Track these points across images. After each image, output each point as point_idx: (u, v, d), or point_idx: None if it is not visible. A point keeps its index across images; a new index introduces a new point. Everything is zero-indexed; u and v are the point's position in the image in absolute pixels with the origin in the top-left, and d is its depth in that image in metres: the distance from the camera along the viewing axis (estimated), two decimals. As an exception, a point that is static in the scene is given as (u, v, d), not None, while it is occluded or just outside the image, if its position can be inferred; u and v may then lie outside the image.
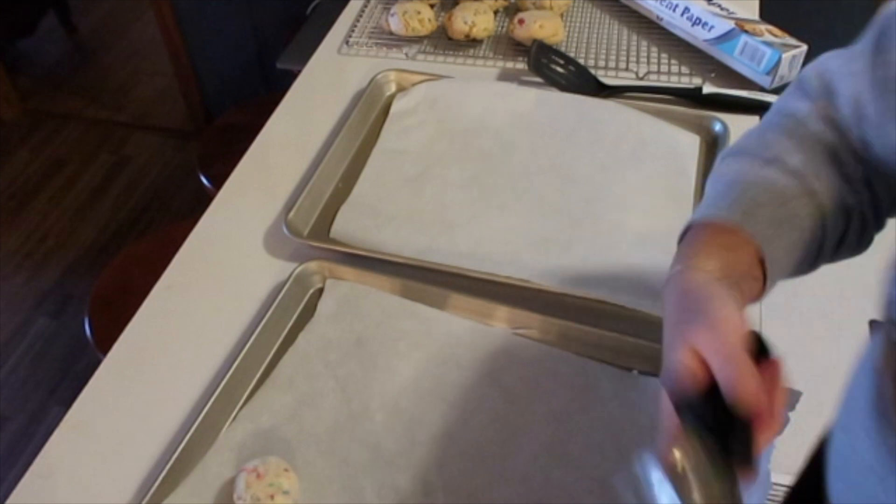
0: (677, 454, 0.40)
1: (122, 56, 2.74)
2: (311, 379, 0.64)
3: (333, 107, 0.94)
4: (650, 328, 0.66)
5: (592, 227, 0.76)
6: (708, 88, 0.90)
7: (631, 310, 0.66)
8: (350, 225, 0.77)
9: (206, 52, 2.14)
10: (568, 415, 0.61)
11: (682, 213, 0.77)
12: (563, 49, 1.00)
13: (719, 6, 0.96)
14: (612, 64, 0.98)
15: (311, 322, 0.69)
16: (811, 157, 0.50)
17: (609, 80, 0.94)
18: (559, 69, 0.93)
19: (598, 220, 0.77)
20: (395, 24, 1.01)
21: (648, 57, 0.99)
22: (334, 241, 0.76)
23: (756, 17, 0.97)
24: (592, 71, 0.94)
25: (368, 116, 0.91)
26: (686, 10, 0.97)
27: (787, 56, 0.88)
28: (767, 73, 0.90)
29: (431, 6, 1.07)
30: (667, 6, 0.99)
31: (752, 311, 0.69)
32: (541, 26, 0.97)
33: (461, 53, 1.02)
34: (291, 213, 0.76)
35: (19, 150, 2.37)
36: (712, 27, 0.94)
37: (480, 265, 0.70)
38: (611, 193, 0.79)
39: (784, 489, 0.69)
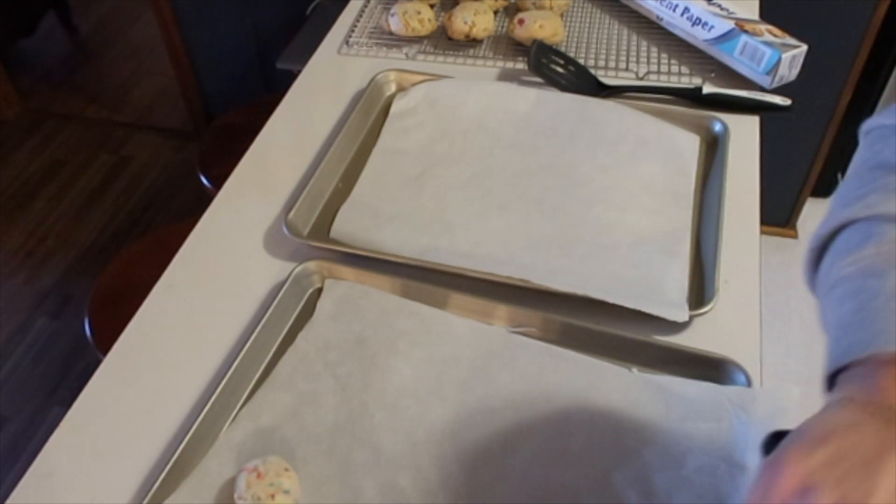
0: None
1: (122, 56, 2.74)
2: (310, 378, 0.64)
3: (333, 107, 0.94)
4: (649, 327, 0.66)
5: (592, 226, 0.76)
6: (708, 88, 0.90)
7: (631, 309, 0.66)
8: (350, 225, 0.77)
9: (206, 52, 2.14)
10: (568, 413, 0.61)
11: (682, 213, 0.77)
12: (563, 49, 1.00)
13: (719, 6, 0.96)
14: (612, 64, 0.98)
15: (310, 322, 0.69)
16: None
17: (609, 80, 0.94)
18: (559, 69, 0.93)
19: (598, 220, 0.77)
20: (395, 24, 1.01)
21: (648, 57, 0.99)
22: (334, 241, 0.76)
23: (756, 17, 0.97)
24: (592, 71, 0.94)
25: (368, 116, 0.91)
26: (686, 10, 0.97)
27: (787, 56, 0.88)
28: (767, 73, 0.90)
29: (431, 6, 1.07)
30: (667, 6, 0.99)
31: (753, 311, 0.69)
32: (541, 26, 0.97)
33: (461, 53, 1.02)
34: (291, 213, 0.76)
35: (19, 150, 2.37)
36: (712, 27, 0.94)
37: (480, 265, 0.70)
38: (611, 193, 0.79)
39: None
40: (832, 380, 0.40)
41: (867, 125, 0.49)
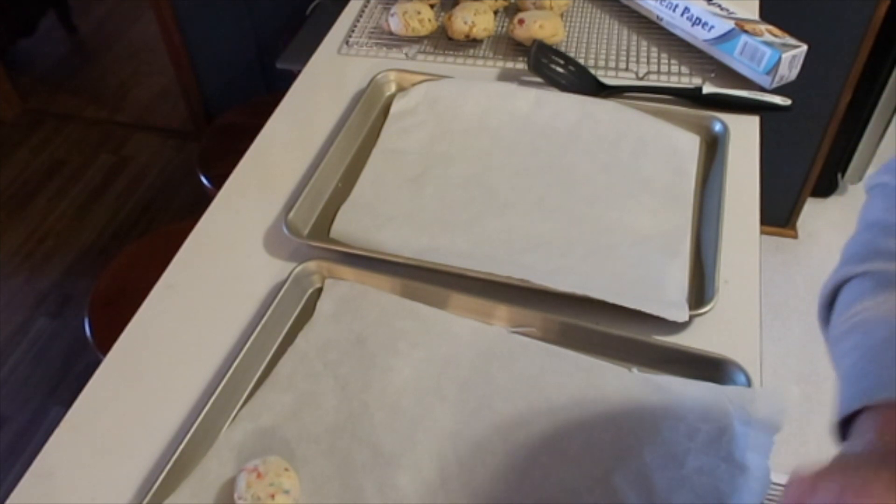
0: None
1: (122, 56, 2.74)
2: (310, 378, 0.64)
3: (333, 107, 0.94)
4: (649, 327, 0.66)
5: (592, 227, 0.76)
6: (708, 88, 0.90)
7: (631, 309, 0.66)
8: (350, 225, 0.77)
9: (206, 52, 2.14)
10: (568, 413, 0.61)
11: (682, 213, 0.77)
12: (563, 49, 1.00)
13: (719, 6, 0.96)
14: (612, 64, 0.98)
15: (310, 322, 0.69)
16: None
17: (609, 80, 0.94)
18: (559, 69, 0.93)
19: (598, 220, 0.77)
20: (395, 24, 1.01)
21: (648, 57, 0.99)
22: (334, 241, 0.76)
23: (756, 17, 0.97)
24: (592, 71, 0.94)
25: (368, 116, 0.91)
26: (686, 10, 0.97)
27: (787, 56, 0.88)
28: (767, 73, 0.90)
29: (431, 6, 1.07)
30: (667, 6, 0.99)
31: (753, 311, 0.69)
32: (541, 26, 0.97)
33: (461, 53, 1.02)
34: (291, 213, 0.76)
35: (19, 150, 2.37)
36: (712, 27, 0.94)
37: (480, 265, 0.70)
38: (611, 193, 0.79)
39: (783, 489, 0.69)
40: (844, 428, 0.43)
41: (870, 182, 0.52)
